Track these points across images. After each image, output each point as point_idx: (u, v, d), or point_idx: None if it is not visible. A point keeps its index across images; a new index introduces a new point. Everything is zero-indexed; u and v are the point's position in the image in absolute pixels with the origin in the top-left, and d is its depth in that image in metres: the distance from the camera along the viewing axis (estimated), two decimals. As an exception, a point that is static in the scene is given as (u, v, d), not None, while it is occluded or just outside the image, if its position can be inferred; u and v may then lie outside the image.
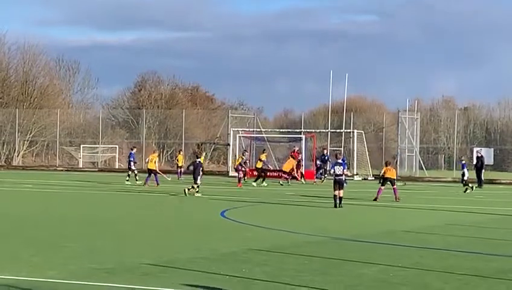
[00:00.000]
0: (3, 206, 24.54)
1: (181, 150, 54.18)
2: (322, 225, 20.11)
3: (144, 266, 12.15)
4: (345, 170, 26.78)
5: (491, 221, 22.57)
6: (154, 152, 41.64)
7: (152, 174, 37.50)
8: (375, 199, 28.93)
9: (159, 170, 38.64)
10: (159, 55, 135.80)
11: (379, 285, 10.93)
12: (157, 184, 36.79)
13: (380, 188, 29.47)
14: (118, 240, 16.05)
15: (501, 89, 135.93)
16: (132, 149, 44.24)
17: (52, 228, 18.21)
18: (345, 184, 26.56)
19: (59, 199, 28.95)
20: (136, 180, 39.16)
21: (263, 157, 42.80)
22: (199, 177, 30.80)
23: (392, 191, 29.35)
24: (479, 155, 45.66)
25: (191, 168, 31.84)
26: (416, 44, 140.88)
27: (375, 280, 11.35)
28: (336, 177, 25.75)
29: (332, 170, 26.89)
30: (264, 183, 39.67)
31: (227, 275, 11.31)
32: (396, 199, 29.08)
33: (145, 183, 36.97)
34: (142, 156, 70.03)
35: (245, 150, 47.60)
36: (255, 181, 40.22)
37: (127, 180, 39.69)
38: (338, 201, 25.45)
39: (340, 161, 26.76)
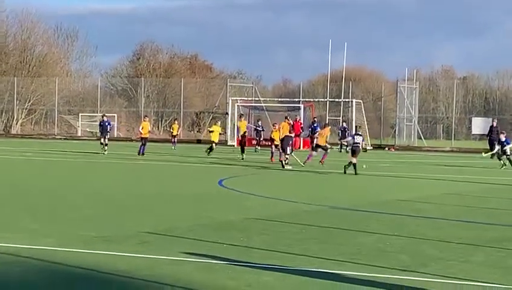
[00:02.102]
0: (1, 174, 24.55)
1: (176, 119, 54.15)
2: (320, 194, 20.16)
3: (142, 234, 12.19)
4: (363, 142, 29.37)
5: (489, 190, 22.59)
6: (144, 119, 40.65)
7: (142, 143, 36.78)
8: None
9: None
10: (158, 23, 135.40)
11: (376, 253, 10.98)
12: (139, 153, 36.04)
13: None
14: (115, 208, 16.09)
15: (500, 58, 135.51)
16: (103, 117, 41.66)
17: (50, 197, 18.24)
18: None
19: (57, 168, 28.98)
20: (104, 149, 37.83)
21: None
22: (288, 148, 30.58)
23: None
24: (494, 125, 45.60)
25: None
26: (416, 13, 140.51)
27: (372, 249, 11.40)
28: (354, 146, 28.19)
29: (352, 139, 29.00)
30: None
31: (225, 244, 11.35)
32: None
33: (140, 153, 36.25)
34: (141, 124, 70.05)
35: (241, 114, 46.96)
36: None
37: (104, 150, 37.83)
38: (354, 167, 27.21)
39: (359, 132, 29.53)
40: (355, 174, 26.96)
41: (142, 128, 38.04)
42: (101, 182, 23.34)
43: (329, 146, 31.47)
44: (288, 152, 30.77)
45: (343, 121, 49.94)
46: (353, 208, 16.78)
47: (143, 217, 14.48)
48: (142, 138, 37.60)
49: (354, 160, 27.54)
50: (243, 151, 36.38)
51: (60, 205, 16.45)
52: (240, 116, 45.27)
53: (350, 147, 28.64)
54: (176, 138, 47.36)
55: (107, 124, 39.75)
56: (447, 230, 13.69)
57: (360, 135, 29.10)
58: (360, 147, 28.41)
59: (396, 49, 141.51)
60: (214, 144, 37.31)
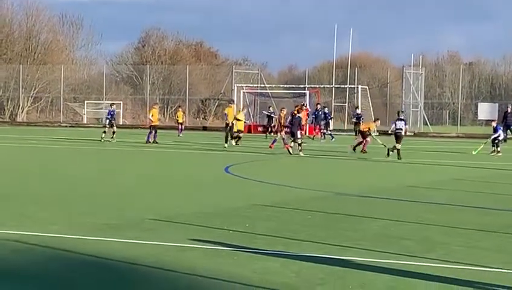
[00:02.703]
0: (9, 162, 24.59)
1: (180, 106, 54.02)
2: (326, 181, 20.14)
3: (148, 221, 12.19)
4: (406, 126, 29.69)
5: (497, 176, 22.51)
6: (154, 106, 40.57)
7: (153, 130, 36.58)
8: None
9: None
10: (163, 10, 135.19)
11: (382, 239, 10.96)
12: (148, 141, 35.96)
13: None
14: (121, 195, 16.08)
15: (506, 44, 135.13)
16: (111, 106, 41.95)
17: (56, 184, 18.25)
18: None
19: (63, 155, 28.99)
20: (105, 136, 37.64)
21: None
22: (298, 133, 29.80)
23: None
24: (508, 111, 45.45)
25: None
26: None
27: (377, 235, 11.38)
28: (396, 131, 28.50)
29: (393, 125, 29.12)
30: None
31: (230, 230, 11.34)
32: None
33: (149, 141, 36.20)
34: (147, 112, 70.07)
35: (231, 100, 46.13)
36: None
37: (107, 137, 37.55)
38: (398, 153, 27.74)
39: (402, 117, 29.66)
40: (399, 159, 27.26)
41: (152, 115, 37.83)
42: (105, 169, 23.33)
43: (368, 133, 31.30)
44: (299, 136, 29.73)
45: (356, 108, 47.78)
46: (359, 194, 16.75)
47: (148, 204, 14.47)
48: (151, 126, 37.35)
49: (398, 146, 27.86)
50: (226, 141, 33.75)
51: (65, 192, 16.45)
52: (230, 101, 42.37)
53: (393, 133, 28.69)
54: (182, 125, 47.22)
55: (112, 112, 39.75)
56: (453, 215, 13.65)
57: (403, 120, 29.26)
58: (403, 133, 28.57)
59: (402, 35, 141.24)
60: (240, 133, 37.01)
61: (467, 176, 22.02)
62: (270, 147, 32.93)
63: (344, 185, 19.02)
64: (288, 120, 32.11)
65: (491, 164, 26.55)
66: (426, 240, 11.00)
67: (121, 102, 70.30)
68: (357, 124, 41.31)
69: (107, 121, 39.30)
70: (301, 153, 29.08)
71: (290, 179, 20.33)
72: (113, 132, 37.98)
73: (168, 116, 73.70)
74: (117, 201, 15.08)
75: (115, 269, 8.96)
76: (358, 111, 45.01)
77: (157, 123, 37.55)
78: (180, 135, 45.39)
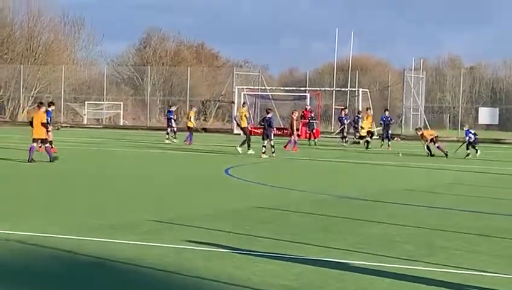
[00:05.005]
0: (6, 163, 24.56)
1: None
2: (326, 184, 20.14)
3: (148, 222, 12.20)
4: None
5: (495, 180, 22.56)
6: (191, 109, 41.55)
7: (189, 132, 37.78)
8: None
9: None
10: (164, 11, 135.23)
11: (382, 243, 10.96)
12: (190, 142, 37.03)
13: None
14: (121, 197, 16.09)
15: (507, 48, 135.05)
16: (171, 107, 44.20)
17: (55, 184, 18.26)
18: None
19: (62, 155, 28.96)
20: (171, 137, 39.44)
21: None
22: (271, 134, 29.87)
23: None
24: None
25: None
26: (423, 2, 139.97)
27: (378, 238, 11.38)
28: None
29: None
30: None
31: (230, 232, 11.35)
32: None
33: (185, 141, 37.27)
34: (147, 113, 70.11)
35: (244, 102, 45.67)
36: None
37: (174, 137, 39.55)
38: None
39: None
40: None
41: (190, 118, 38.64)
42: (105, 169, 23.34)
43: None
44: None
45: (385, 110, 42.59)
46: (360, 197, 16.75)
47: (149, 206, 14.48)
48: (188, 127, 38.31)
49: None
50: (249, 146, 31.07)
51: (65, 192, 16.46)
52: (243, 104, 39.43)
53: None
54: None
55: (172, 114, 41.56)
56: (453, 220, 13.66)
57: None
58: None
59: (403, 39, 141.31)
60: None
61: (466, 180, 22.03)
62: (286, 148, 33.63)
63: (344, 188, 19.02)
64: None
65: (489, 168, 26.56)
66: (426, 244, 11.01)
67: (121, 103, 70.35)
68: (387, 125, 40.19)
69: (171, 121, 40.77)
70: (264, 155, 29.14)
71: (290, 181, 20.33)
72: (174, 132, 39.93)
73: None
74: (116, 202, 15.09)
75: (115, 270, 8.97)
76: (387, 114, 42.74)
77: (193, 126, 38.43)
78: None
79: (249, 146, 30.74)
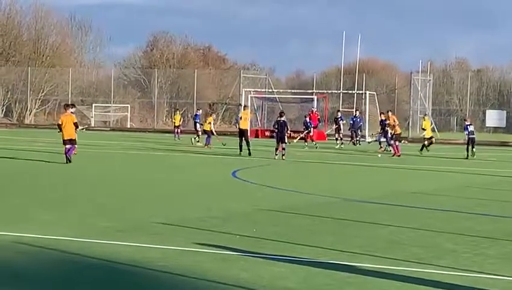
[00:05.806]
0: (16, 165, 24.59)
1: (178, 109, 54.25)
2: (333, 186, 20.11)
3: (156, 225, 12.18)
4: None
5: (502, 183, 22.48)
6: (211, 114, 41.99)
7: (207, 135, 38.11)
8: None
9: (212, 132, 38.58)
10: (172, 14, 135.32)
11: (390, 246, 10.93)
12: (206, 145, 37.38)
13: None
14: (129, 199, 16.09)
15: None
16: (198, 110, 45.08)
17: (62, 187, 18.25)
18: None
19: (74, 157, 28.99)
20: (197, 141, 40.05)
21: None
22: (286, 137, 29.85)
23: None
24: None
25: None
26: (430, 5, 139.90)
27: (386, 241, 11.35)
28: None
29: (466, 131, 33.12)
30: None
31: (238, 235, 11.33)
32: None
33: (205, 145, 37.48)
34: (154, 115, 70.18)
35: (245, 105, 45.06)
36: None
37: (197, 141, 40.13)
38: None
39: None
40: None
41: (209, 122, 38.82)
42: (113, 172, 23.35)
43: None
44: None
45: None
46: (366, 200, 16.72)
47: (155, 208, 14.47)
48: (205, 130, 38.76)
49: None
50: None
51: (71, 195, 16.46)
52: (244, 107, 38.83)
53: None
54: (178, 129, 47.35)
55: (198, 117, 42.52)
56: (460, 223, 13.62)
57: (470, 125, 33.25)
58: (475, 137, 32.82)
59: (410, 42, 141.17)
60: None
61: (473, 183, 21.98)
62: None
63: (351, 190, 18.98)
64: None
65: (496, 171, 26.47)
66: (434, 247, 10.97)
67: (128, 105, 70.40)
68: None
69: (197, 125, 41.48)
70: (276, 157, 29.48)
71: (297, 184, 20.29)
72: (198, 136, 40.69)
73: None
74: (124, 205, 15.08)
75: (121, 273, 8.95)
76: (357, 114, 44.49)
77: (209, 129, 38.53)
78: (177, 138, 45.51)
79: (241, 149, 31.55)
